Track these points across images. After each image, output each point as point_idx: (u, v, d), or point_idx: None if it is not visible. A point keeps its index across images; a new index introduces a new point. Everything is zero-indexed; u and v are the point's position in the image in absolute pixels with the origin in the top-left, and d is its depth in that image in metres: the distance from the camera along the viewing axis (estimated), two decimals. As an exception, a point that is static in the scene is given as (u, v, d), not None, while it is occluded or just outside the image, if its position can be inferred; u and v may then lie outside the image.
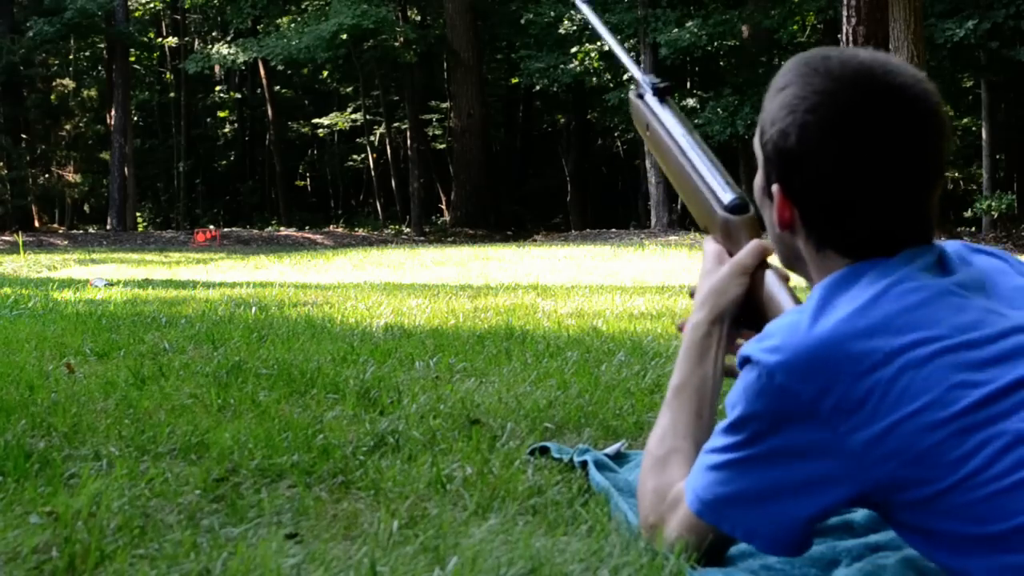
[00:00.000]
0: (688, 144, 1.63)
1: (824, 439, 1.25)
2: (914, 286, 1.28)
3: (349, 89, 30.83)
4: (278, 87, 32.14)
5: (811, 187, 1.35)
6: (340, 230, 26.73)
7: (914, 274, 1.30)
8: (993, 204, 18.36)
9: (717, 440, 1.36)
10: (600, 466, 1.94)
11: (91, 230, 28.73)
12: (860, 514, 1.60)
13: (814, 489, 1.28)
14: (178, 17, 33.97)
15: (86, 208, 35.44)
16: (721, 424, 1.36)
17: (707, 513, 1.36)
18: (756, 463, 1.31)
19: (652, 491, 1.46)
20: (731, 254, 1.54)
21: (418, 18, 29.52)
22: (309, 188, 35.81)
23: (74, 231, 27.96)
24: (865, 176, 1.31)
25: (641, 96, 1.73)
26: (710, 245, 1.58)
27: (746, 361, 1.31)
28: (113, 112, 26.92)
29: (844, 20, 12.45)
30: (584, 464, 1.97)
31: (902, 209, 1.33)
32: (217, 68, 29.95)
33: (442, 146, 30.15)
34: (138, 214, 30.94)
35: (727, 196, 1.56)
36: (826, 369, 1.23)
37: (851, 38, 12.28)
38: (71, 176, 30.73)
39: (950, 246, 1.40)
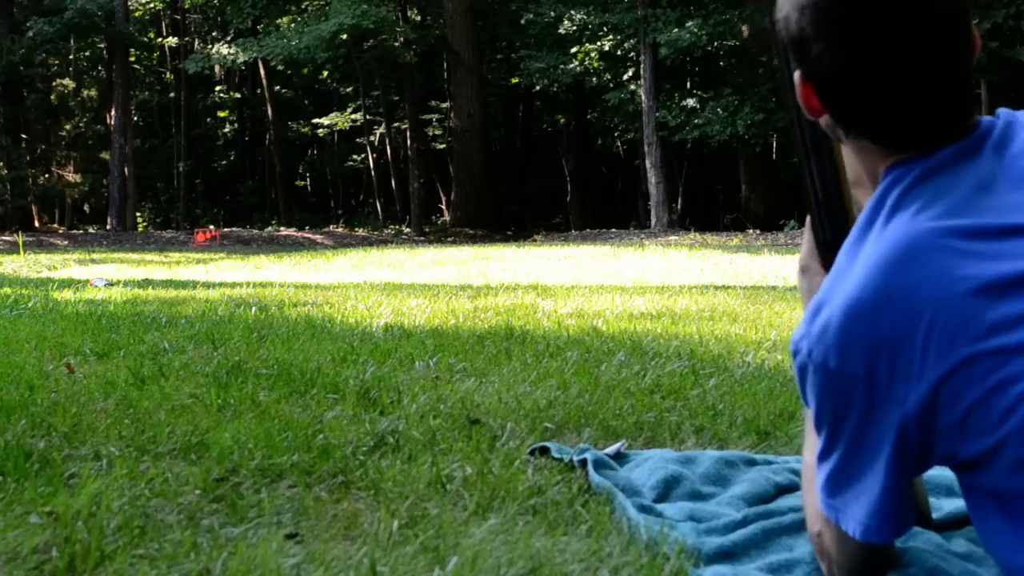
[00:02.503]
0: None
1: None
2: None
3: (349, 89, 30.82)
4: (278, 87, 32.12)
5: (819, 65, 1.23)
6: (340, 230, 26.69)
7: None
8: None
9: None
10: (600, 465, 1.94)
11: (91, 230, 28.69)
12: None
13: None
14: (178, 17, 33.95)
15: (86, 208, 35.40)
16: None
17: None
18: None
19: (812, 503, 1.40)
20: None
21: (418, 18, 29.51)
22: (309, 188, 35.80)
23: (74, 231, 27.94)
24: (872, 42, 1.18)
25: None
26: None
27: None
28: (113, 112, 26.88)
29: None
30: (584, 463, 1.97)
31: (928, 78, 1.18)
32: (217, 68, 29.94)
33: (442, 146, 30.14)
34: (138, 214, 30.91)
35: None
36: None
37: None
38: (71, 176, 30.70)
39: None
